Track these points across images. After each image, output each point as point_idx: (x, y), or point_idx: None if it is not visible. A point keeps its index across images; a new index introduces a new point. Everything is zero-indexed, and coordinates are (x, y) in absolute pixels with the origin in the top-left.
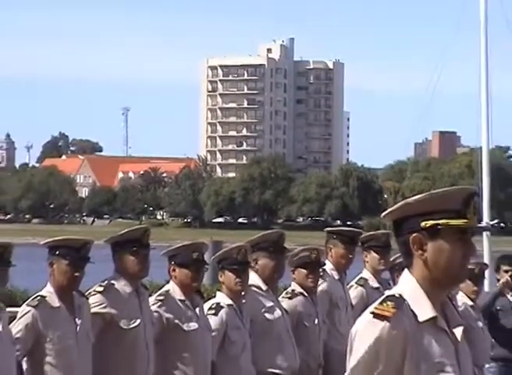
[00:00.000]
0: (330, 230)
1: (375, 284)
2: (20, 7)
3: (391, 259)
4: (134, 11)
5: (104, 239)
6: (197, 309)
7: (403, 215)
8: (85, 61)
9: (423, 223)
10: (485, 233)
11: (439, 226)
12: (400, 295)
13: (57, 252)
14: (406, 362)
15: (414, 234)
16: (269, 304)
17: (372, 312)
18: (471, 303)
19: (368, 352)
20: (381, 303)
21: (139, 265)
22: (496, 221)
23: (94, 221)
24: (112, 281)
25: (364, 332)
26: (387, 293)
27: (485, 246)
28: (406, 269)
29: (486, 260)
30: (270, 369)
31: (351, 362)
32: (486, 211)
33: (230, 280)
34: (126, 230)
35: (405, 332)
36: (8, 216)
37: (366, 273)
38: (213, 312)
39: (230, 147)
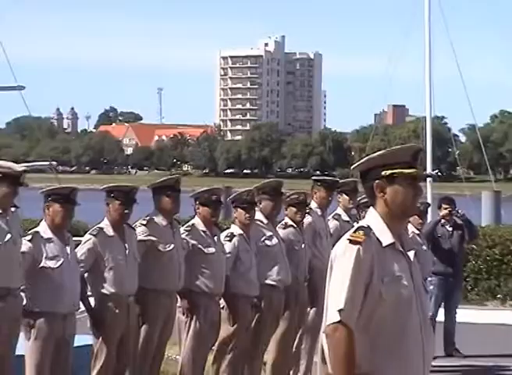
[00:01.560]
0: (315, 179)
1: (346, 218)
2: (97, 8)
3: (357, 200)
4: (169, 16)
5: (145, 185)
6: (215, 238)
7: (368, 167)
8: (131, 52)
9: (383, 173)
10: (428, 180)
11: (395, 175)
12: (368, 226)
13: (112, 195)
14: (373, 277)
15: (377, 181)
16: (269, 233)
17: (348, 239)
18: (417, 232)
19: (347, 269)
20: (354, 232)
21: (173, 204)
22: (436, 171)
23: (136, 172)
24: (153, 216)
25: (343, 254)
26: (358, 224)
27: (428, 189)
28: (371, 207)
29: (429, 200)
30: (268, 281)
31: (333, 277)
32: (429, 163)
33: (241, 215)
34: (163, 179)
35: (372, 254)
36: (73, 169)
37: (339, 210)
38: (228, 239)
39: (237, 117)
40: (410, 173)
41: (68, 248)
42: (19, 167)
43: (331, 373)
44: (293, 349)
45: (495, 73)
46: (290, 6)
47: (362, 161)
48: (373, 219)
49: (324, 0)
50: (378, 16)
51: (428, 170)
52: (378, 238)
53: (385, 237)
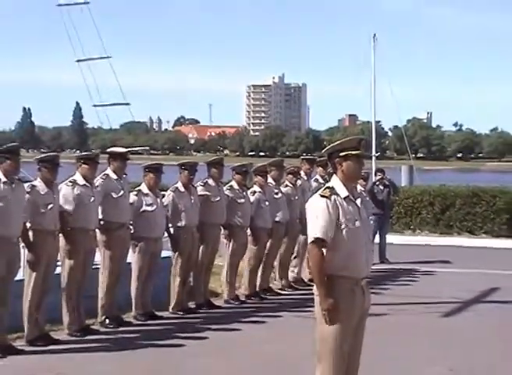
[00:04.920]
0: (302, 158)
1: (322, 181)
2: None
3: (328, 170)
4: (215, 60)
5: (202, 162)
6: (244, 193)
7: (333, 150)
8: (194, 79)
9: (341, 154)
10: (373, 158)
11: (348, 155)
12: (332, 186)
13: (183, 167)
14: (337, 217)
15: (337, 159)
16: (276, 190)
17: (319, 194)
18: (363, 189)
19: (318, 212)
20: (323, 190)
21: (219, 173)
22: (377, 153)
23: (196, 154)
24: (207, 180)
25: (315, 204)
26: (325, 185)
27: (373, 163)
28: (334, 175)
29: (373, 171)
30: (275, 219)
31: (309, 216)
32: (374, 148)
33: (260, 180)
34: (213, 158)
35: (336, 203)
36: (159, 152)
37: (318, 176)
38: (252, 194)
39: (256, 121)
40: (357, 153)
41: (158, 199)
42: (125, 150)
43: (310, 273)
44: (291, 259)
45: (409, 92)
46: (288, 55)
47: (328, 147)
48: (335, 182)
49: (308, 51)
50: (340, 58)
51: (373, 152)
52: (338, 193)
53: (343, 192)
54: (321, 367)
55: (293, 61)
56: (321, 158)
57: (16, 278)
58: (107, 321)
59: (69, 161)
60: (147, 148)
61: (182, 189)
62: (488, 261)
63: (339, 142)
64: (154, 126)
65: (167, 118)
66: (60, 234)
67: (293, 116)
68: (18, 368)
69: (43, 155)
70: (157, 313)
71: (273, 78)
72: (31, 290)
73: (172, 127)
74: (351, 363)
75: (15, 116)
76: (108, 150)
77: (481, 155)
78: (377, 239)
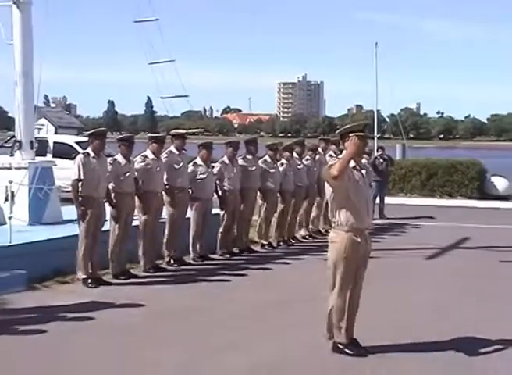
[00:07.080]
0: (320, 138)
1: (335, 156)
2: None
3: (340, 147)
4: (253, 63)
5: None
6: (275, 165)
7: (344, 132)
8: (237, 79)
9: (350, 134)
10: (375, 138)
11: (356, 136)
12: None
13: (228, 145)
14: (346, 178)
15: (347, 138)
16: (299, 162)
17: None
18: (367, 162)
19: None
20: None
21: (255, 149)
22: (378, 135)
23: (239, 135)
24: (246, 155)
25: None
26: (338, 158)
27: (375, 142)
28: (344, 151)
29: (375, 148)
30: (298, 184)
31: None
32: (376, 131)
33: (287, 155)
34: (250, 138)
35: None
36: (210, 134)
37: (331, 152)
38: (281, 165)
39: (285, 110)
40: (362, 135)
41: (209, 169)
42: (183, 131)
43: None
44: (311, 214)
45: (402, 87)
46: (309, 59)
47: (341, 129)
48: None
49: (325, 56)
50: (350, 62)
51: (375, 134)
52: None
53: (351, 163)
54: (333, 292)
55: (313, 64)
56: (335, 138)
57: (103, 229)
58: (172, 261)
59: (144, 141)
60: (202, 130)
61: (227, 161)
62: (463, 217)
63: (348, 126)
64: (207, 114)
65: (217, 107)
66: (136, 196)
67: (312, 107)
68: (106, 296)
69: (121, 136)
70: (209, 256)
71: (298, 77)
72: (115, 237)
73: (221, 115)
74: (354, 290)
75: (102, 107)
76: (171, 132)
77: (457, 136)
78: (378, 200)
